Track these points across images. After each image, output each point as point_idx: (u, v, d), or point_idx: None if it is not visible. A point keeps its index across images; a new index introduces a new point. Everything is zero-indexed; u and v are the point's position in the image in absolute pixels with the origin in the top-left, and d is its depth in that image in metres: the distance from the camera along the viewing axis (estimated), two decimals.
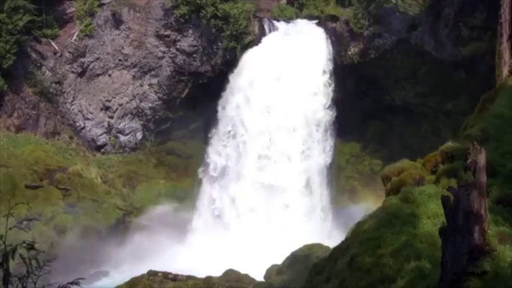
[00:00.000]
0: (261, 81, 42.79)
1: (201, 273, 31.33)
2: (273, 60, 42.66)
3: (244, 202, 40.98)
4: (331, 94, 42.99)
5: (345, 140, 43.51)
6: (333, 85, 42.84)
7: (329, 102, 42.88)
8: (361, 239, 14.33)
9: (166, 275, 30.89)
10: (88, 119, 46.02)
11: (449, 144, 16.89)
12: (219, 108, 43.98)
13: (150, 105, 46.56)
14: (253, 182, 41.35)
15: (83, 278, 7.06)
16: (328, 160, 43.14)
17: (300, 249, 30.11)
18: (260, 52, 43.25)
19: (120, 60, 46.01)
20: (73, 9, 46.44)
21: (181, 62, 45.67)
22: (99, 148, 46.47)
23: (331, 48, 42.93)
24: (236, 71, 43.53)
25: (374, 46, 41.48)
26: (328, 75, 42.86)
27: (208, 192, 43.85)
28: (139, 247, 38.87)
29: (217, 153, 44.14)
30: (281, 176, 41.04)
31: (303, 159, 42.29)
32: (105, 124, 46.33)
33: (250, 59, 43.29)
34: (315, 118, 42.81)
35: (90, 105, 45.98)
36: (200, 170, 45.13)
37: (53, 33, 45.13)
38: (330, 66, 42.94)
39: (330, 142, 43.49)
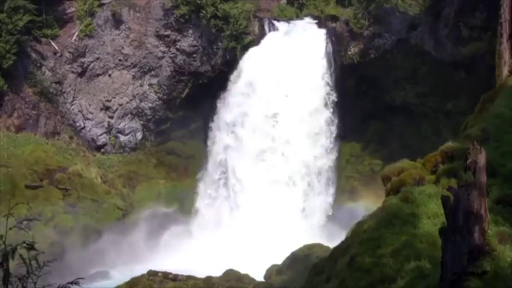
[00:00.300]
0: (252, 117, 38.66)
1: (201, 273, 31.31)
2: (267, 89, 38.52)
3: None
4: (334, 132, 39.50)
5: (345, 140, 43.40)
6: (336, 121, 39.54)
7: (332, 145, 39.65)
8: (361, 239, 14.32)
9: (166, 275, 30.87)
10: (88, 119, 46.03)
11: (449, 144, 16.87)
12: (209, 143, 42.07)
13: (150, 105, 46.55)
14: (249, 244, 35.88)
15: (82, 278, 7.06)
16: (330, 212, 39.71)
17: (300, 249, 30.06)
18: (251, 75, 39.68)
19: (120, 60, 46.02)
20: (73, 9, 46.45)
21: (181, 62, 45.67)
22: (99, 148, 46.47)
23: (332, 64, 39.86)
24: (223, 96, 41.20)
25: (374, 46, 41.46)
26: (331, 109, 39.35)
27: (199, 243, 38.74)
28: (139, 247, 38.85)
29: (206, 205, 40.64)
30: (280, 241, 34.89)
31: (303, 217, 38.54)
32: (105, 124, 46.33)
33: (240, 83, 39.55)
34: (315, 166, 38.91)
35: (90, 105, 45.99)
36: (192, 211, 42.46)
37: (53, 33, 45.14)
38: (333, 95, 39.40)
39: (331, 190, 40.31)
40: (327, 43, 41.17)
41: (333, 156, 39.81)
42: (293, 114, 38.35)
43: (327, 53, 40.72)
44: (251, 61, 41.50)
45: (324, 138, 39.19)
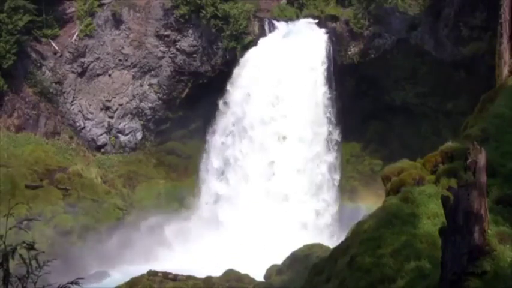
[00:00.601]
0: (244, 163, 35.78)
1: (201, 273, 31.31)
2: (260, 130, 35.57)
3: None
4: (337, 180, 36.32)
5: (345, 140, 43.35)
6: (338, 162, 36.98)
7: (334, 196, 36.55)
8: (361, 239, 14.32)
9: (166, 275, 30.88)
10: (88, 119, 46.03)
11: (449, 144, 16.87)
12: (200, 179, 40.69)
13: (150, 105, 46.55)
14: (249, 244, 34.24)
15: (82, 278, 7.06)
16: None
17: (300, 249, 30.05)
18: (242, 109, 37.46)
19: (120, 60, 46.01)
20: (73, 9, 46.44)
21: (181, 62, 45.66)
22: (99, 148, 46.47)
23: (334, 93, 37.54)
24: (213, 130, 40.30)
25: (374, 46, 41.45)
26: (334, 153, 36.49)
27: (199, 242, 37.69)
28: (139, 247, 38.84)
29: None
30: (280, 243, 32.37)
31: None
32: (105, 124, 46.33)
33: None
34: (316, 225, 35.32)
35: (90, 105, 45.98)
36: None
37: (53, 33, 45.13)
38: (335, 134, 36.74)
39: (334, 243, 37.22)
40: (328, 57, 39.34)
41: (335, 207, 36.74)
42: (291, 162, 34.54)
43: (328, 78, 38.65)
44: (241, 89, 40.14)
45: (325, 192, 36.13)
